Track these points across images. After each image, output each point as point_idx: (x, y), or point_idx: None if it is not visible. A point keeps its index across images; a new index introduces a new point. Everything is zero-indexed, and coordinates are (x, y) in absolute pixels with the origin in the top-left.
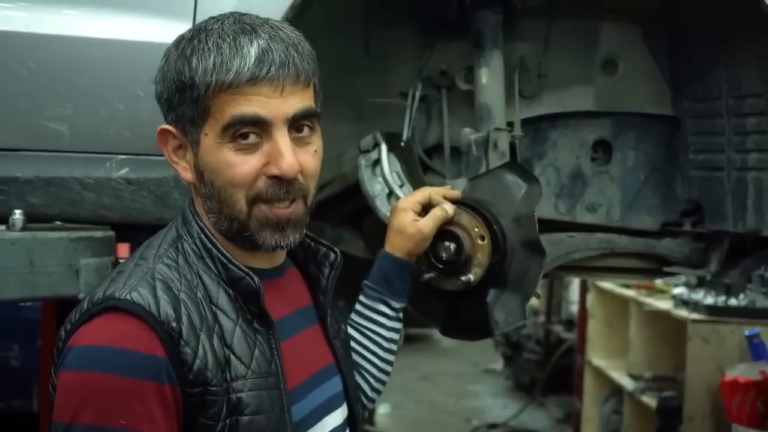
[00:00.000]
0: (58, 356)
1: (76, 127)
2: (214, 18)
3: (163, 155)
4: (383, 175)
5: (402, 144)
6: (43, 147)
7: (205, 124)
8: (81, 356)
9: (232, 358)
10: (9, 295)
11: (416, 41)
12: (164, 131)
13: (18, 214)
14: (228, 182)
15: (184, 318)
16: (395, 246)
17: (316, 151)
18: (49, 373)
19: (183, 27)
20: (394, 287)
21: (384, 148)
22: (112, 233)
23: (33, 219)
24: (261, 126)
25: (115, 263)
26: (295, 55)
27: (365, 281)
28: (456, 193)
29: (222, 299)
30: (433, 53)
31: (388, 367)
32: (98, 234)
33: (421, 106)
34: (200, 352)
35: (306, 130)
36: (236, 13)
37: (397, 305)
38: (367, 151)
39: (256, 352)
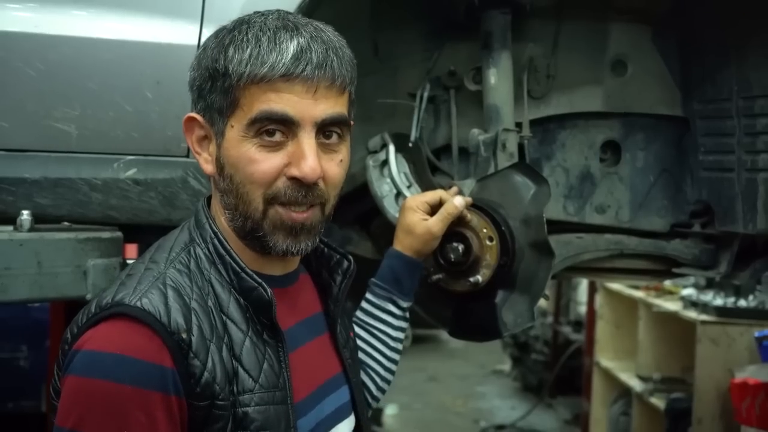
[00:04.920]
0: (63, 358)
1: (84, 128)
2: (258, 12)
3: (170, 156)
4: (391, 176)
5: (410, 145)
6: (51, 148)
7: (232, 115)
8: (87, 362)
9: (240, 370)
10: (17, 296)
11: (424, 42)
12: (191, 119)
13: (26, 215)
14: (247, 178)
15: (195, 328)
16: (404, 245)
17: (342, 160)
18: (53, 374)
19: (190, 28)
20: (403, 286)
21: (392, 148)
22: (119, 234)
23: (41, 220)
24: (288, 125)
25: (123, 264)
26: (334, 58)
27: (373, 279)
28: (467, 200)
29: (233, 308)
30: (441, 54)
31: (393, 366)
32: (106, 235)
33: (429, 106)
34: (209, 364)
35: (334, 137)
36: (282, 10)
37: (404, 304)
38: (375, 152)
39: (265, 365)
